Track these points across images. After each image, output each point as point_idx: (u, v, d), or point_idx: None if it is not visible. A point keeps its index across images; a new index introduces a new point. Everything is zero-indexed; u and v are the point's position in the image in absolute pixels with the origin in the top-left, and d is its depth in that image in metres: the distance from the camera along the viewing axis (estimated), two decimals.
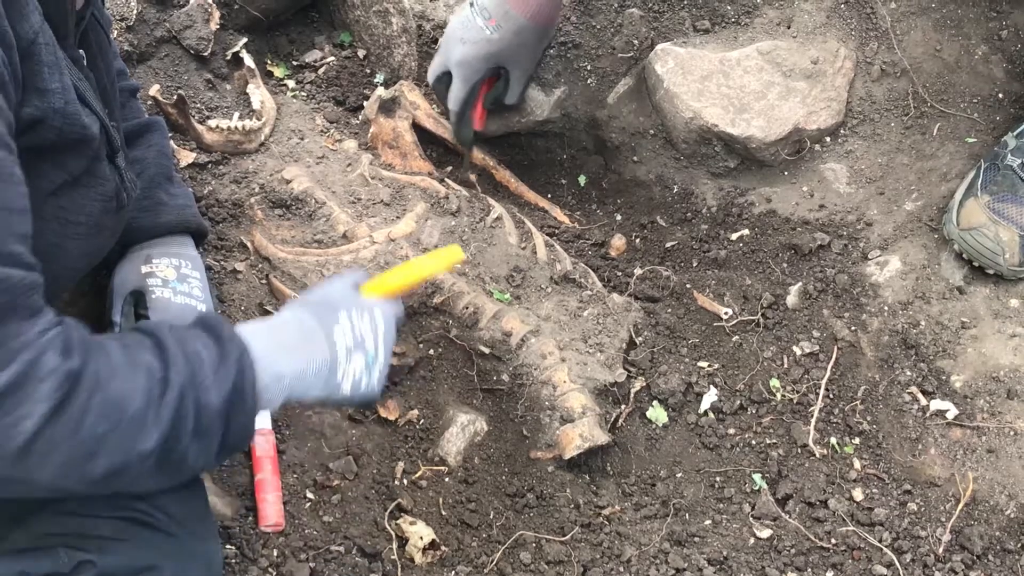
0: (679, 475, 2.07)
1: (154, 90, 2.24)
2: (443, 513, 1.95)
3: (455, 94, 2.36)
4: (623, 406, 2.13)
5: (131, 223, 1.82)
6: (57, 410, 1.19)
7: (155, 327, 1.39)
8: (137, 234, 1.87)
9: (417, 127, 2.47)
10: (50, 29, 1.35)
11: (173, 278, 1.87)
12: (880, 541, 1.94)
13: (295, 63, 2.66)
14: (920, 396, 2.12)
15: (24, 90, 1.30)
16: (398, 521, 1.90)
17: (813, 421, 2.10)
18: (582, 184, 2.59)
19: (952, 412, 2.10)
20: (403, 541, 1.88)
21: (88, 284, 1.95)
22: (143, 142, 1.93)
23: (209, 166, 2.31)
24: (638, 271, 2.36)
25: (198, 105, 2.39)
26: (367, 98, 2.53)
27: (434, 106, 2.50)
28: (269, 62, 2.65)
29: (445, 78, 2.38)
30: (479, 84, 2.35)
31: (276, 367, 1.45)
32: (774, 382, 2.16)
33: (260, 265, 2.16)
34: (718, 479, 2.06)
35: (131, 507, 1.46)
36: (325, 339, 1.53)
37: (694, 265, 2.38)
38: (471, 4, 2.29)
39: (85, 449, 1.22)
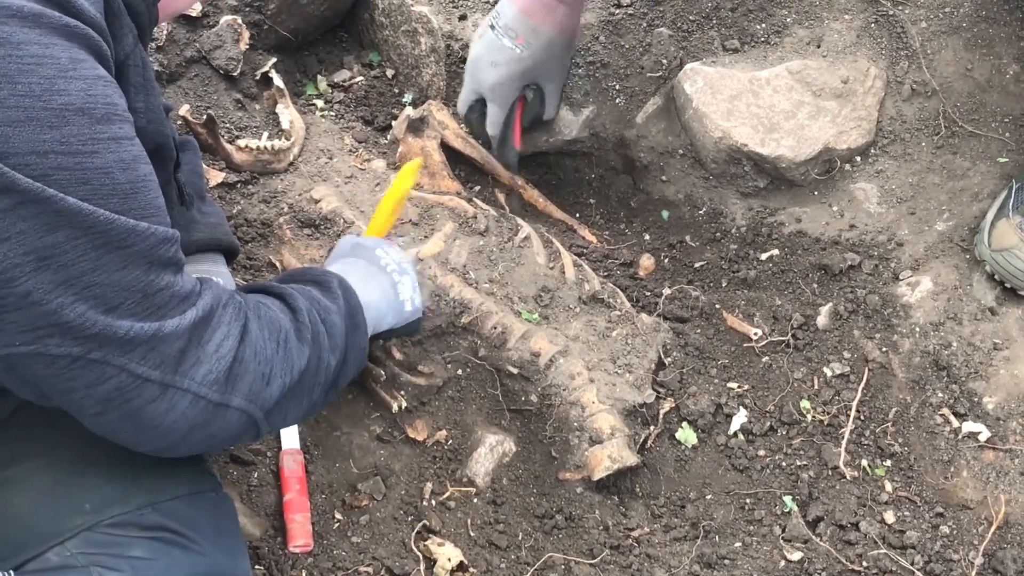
0: (709, 497, 2.06)
1: (184, 110, 2.25)
2: (471, 534, 1.94)
3: (494, 119, 2.36)
4: (652, 427, 2.12)
5: None
6: (243, 331, 1.42)
7: (251, 284, 1.69)
8: None
9: (445, 147, 2.47)
10: (143, 51, 1.41)
11: None
12: (912, 564, 1.93)
13: (324, 83, 2.67)
14: (952, 418, 2.11)
15: None
16: (426, 542, 1.89)
17: (844, 443, 2.09)
18: (612, 203, 2.59)
19: (984, 434, 2.08)
20: (431, 562, 1.87)
21: None
22: None
23: (238, 186, 2.32)
24: (667, 291, 2.35)
25: (227, 125, 2.40)
26: (395, 118, 2.53)
27: (462, 126, 2.50)
28: (298, 82, 2.66)
29: (478, 106, 2.38)
30: (515, 105, 2.35)
31: (361, 295, 1.71)
32: (804, 403, 2.14)
33: None
34: (748, 501, 2.05)
35: (163, 528, 1.47)
36: (379, 270, 1.85)
37: (723, 285, 2.37)
38: (492, 27, 2.29)
39: (263, 370, 1.43)
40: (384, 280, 1.85)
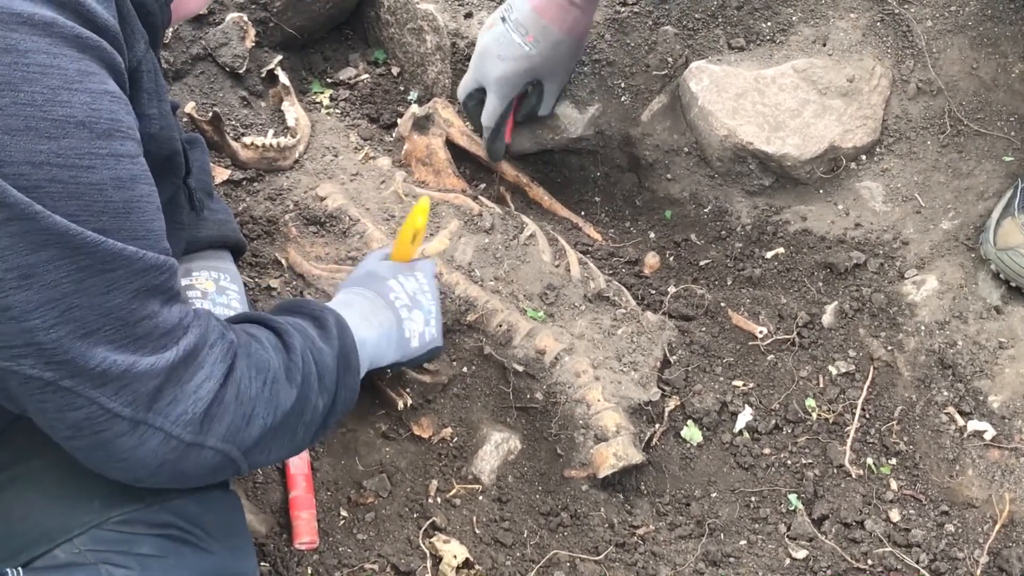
0: (714, 495, 2.06)
1: (190, 107, 2.25)
2: (477, 531, 1.95)
3: (491, 110, 2.36)
4: (657, 425, 2.12)
5: None
6: (228, 372, 1.37)
7: (250, 313, 1.62)
8: None
9: (451, 144, 2.47)
10: (155, 57, 1.40)
11: (212, 290, 1.90)
12: (917, 562, 1.93)
13: (329, 80, 2.67)
14: (957, 416, 2.11)
15: None
16: (432, 539, 1.89)
17: (849, 441, 2.09)
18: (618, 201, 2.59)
19: (990, 433, 2.08)
20: (437, 559, 1.87)
21: None
22: None
23: (244, 183, 2.32)
24: (672, 289, 2.35)
25: (233, 122, 2.40)
26: (401, 115, 2.53)
27: (467, 123, 2.51)
28: (304, 79, 2.66)
29: (477, 95, 2.38)
30: (514, 100, 2.36)
31: (359, 333, 1.69)
32: (810, 402, 2.15)
33: (294, 282, 2.17)
34: (753, 499, 2.05)
35: (171, 525, 1.47)
36: (386, 305, 1.83)
37: (728, 283, 2.37)
38: (503, 20, 2.29)
39: (244, 411, 1.39)
40: (389, 316, 1.83)
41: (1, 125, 1.11)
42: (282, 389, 1.45)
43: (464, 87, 2.41)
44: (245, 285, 2.09)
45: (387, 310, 1.83)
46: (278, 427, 1.45)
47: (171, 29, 2.37)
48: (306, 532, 1.84)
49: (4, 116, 1.11)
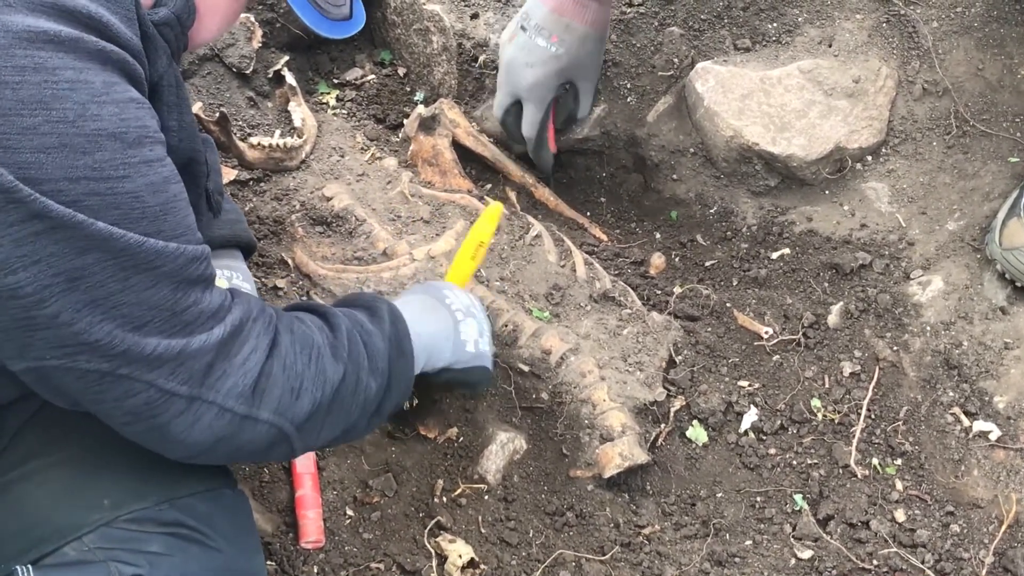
0: (719, 495, 2.07)
1: (197, 108, 2.26)
2: (482, 531, 1.95)
3: (531, 119, 2.36)
4: (663, 425, 2.12)
5: None
6: (272, 346, 1.43)
7: (299, 303, 1.72)
8: None
9: (457, 145, 2.47)
10: (176, 71, 1.42)
11: (225, 288, 1.90)
12: (923, 563, 1.93)
13: (336, 81, 2.68)
14: (963, 417, 2.11)
15: None
16: (437, 539, 1.90)
17: (855, 441, 2.09)
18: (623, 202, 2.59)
19: (995, 433, 2.08)
20: (442, 559, 1.88)
21: None
22: None
23: (250, 183, 2.33)
24: (677, 289, 2.36)
25: (240, 123, 2.41)
26: (407, 116, 2.54)
27: (473, 124, 2.51)
28: (310, 80, 2.67)
29: (513, 109, 2.38)
30: (551, 105, 2.35)
31: (415, 326, 1.71)
32: (815, 402, 2.15)
33: (301, 282, 2.17)
34: (759, 499, 2.05)
35: (180, 524, 1.48)
36: (443, 307, 1.85)
37: (734, 284, 2.38)
38: (523, 28, 2.28)
39: (292, 384, 1.44)
40: (445, 315, 1.85)
41: (36, 144, 1.14)
42: (328, 365, 1.50)
43: (499, 104, 2.40)
44: None
45: (443, 310, 1.85)
46: (329, 405, 1.49)
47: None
48: (312, 531, 1.84)
49: (39, 135, 1.14)
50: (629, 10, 2.50)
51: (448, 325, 1.83)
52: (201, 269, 1.33)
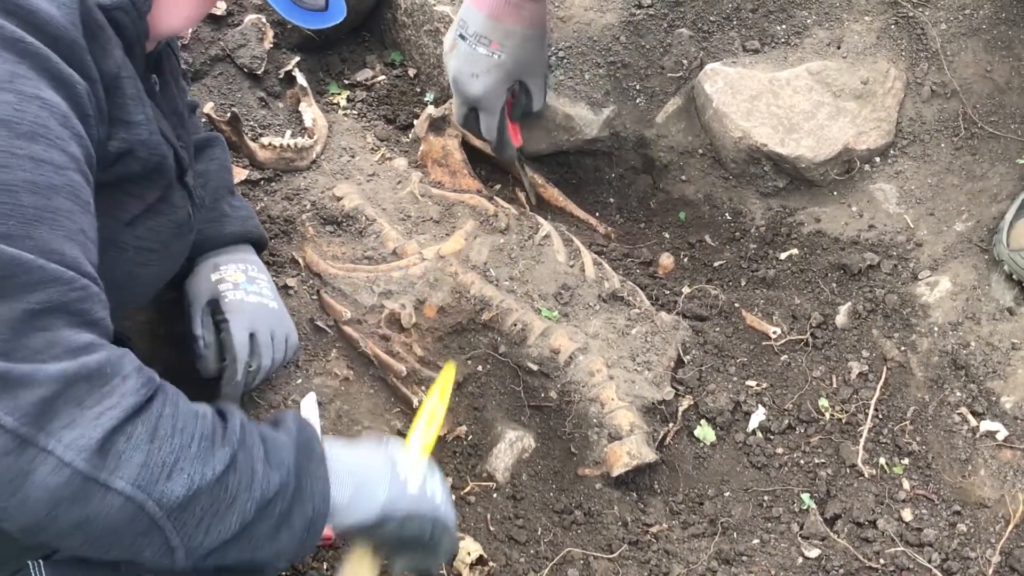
0: (727, 494, 2.07)
1: (208, 108, 2.27)
2: (491, 529, 1.96)
3: (487, 124, 2.36)
4: (671, 424, 2.13)
5: (197, 235, 1.87)
6: (140, 409, 1.19)
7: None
8: (203, 245, 1.92)
9: (466, 145, 2.48)
10: (131, 64, 1.39)
11: (243, 280, 1.91)
12: (929, 562, 1.94)
13: (347, 82, 2.69)
14: (970, 417, 2.11)
15: (111, 124, 1.35)
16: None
17: (862, 441, 2.10)
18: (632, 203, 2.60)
19: (1002, 433, 2.09)
20: (451, 556, 1.88)
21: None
22: (205, 156, 1.97)
23: (261, 183, 2.34)
24: (686, 290, 2.37)
25: (251, 123, 2.42)
26: (417, 116, 2.55)
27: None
28: (321, 81, 2.68)
29: (472, 115, 2.38)
30: (504, 107, 2.36)
31: (334, 449, 1.45)
32: (823, 402, 2.15)
33: (311, 281, 2.18)
34: (766, 498, 2.06)
35: None
36: (382, 450, 1.52)
37: (742, 284, 2.38)
38: (462, 37, 2.26)
39: (163, 458, 1.20)
40: (379, 450, 1.53)
41: None
42: (216, 448, 1.26)
43: (457, 114, 2.40)
44: None
45: (378, 448, 1.54)
46: (214, 492, 1.25)
47: (189, 31, 2.39)
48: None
49: None
50: (638, 12, 2.51)
51: (381, 458, 1.51)
52: (70, 298, 1.17)
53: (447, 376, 1.74)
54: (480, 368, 2.14)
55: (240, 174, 2.31)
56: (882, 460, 2.08)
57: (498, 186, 2.53)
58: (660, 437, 2.10)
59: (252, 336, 1.87)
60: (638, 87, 2.50)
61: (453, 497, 1.97)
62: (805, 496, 2.04)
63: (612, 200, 2.61)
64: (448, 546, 1.57)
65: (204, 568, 1.31)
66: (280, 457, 1.34)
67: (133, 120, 1.37)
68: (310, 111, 2.46)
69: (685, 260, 2.47)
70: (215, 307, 1.89)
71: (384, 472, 1.48)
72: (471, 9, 2.25)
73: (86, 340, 1.17)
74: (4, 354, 1.10)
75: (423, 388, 2.05)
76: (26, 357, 1.11)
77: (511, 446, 2.05)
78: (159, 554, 1.24)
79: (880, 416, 2.14)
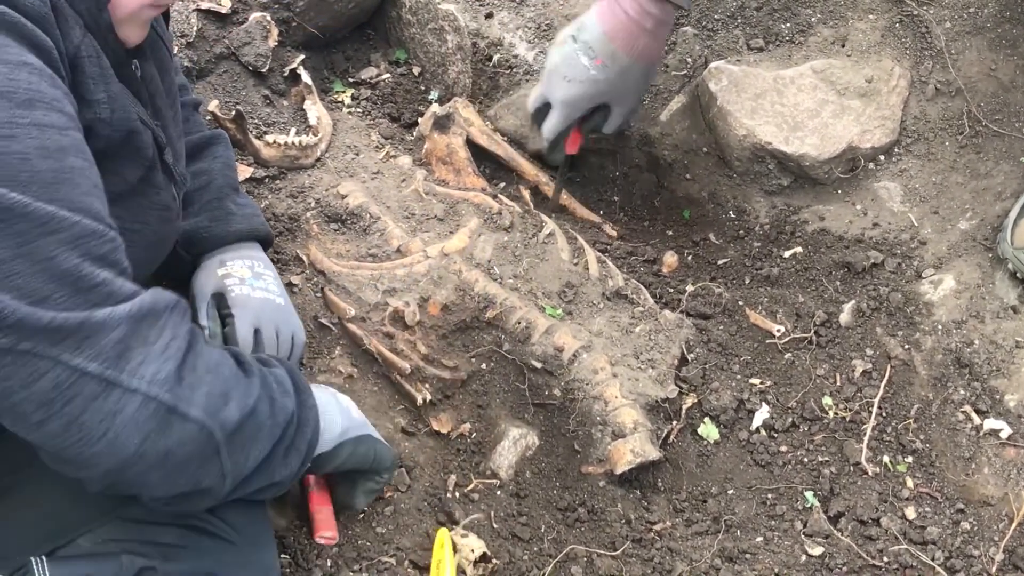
0: (730, 492, 2.07)
1: (213, 105, 2.27)
2: (495, 526, 1.96)
3: (551, 126, 2.36)
4: (674, 422, 2.13)
5: (202, 232, 1.89)
6: (192, 341, 1.33)
7: None
8: (209, 242, 1.92)
9: (471, 143, 2.49)
10: (94, 41, 1.39)
11: (248, 276, 1.91)
12: (933, 560, 1.94)
13: (351, 80, 2.69)
14: (973, 415, 2.11)
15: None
16: (450, 533, 1.90)
17: (866, 439, 2.10)
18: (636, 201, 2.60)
19: (1006, 431, 2.08)
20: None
21: None
22: (208, 154, 1.97)
23: (266, 181, 2.34)
24: (690, 288, 2.36)
25: (255, 120, 2.42)
26: (422, 114, 2.55)
27: (487, 123, 2.52)
28: (326, 78, 2.68)
29: (545, 108, 2.37)
30: (579, 119, 2.36)
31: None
32: (827, 400, 2.15)
33: (315, 279, 2.18)
34: (770, 496, 2.06)
35: (193, 515, 1.48)
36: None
37: (746, 282, 2.38)
38: (573, 39, 2.26)
39: (220, 387, 1.34)
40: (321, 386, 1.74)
41: None
42: (248, 378, 1.41)
43: (533, 101, 2.40)
44: None
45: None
46: (256, 419, 1.39)
47: (194, 28, 2.39)
48: (326, 526, 1.84)
49: None
50: None
51: (327, 392, 1.72)
52: (105, 249, 1.24)
53: (440, 543, 1.82)
54: (484, 366, 2.14)
55: (244, 172, 2.31)
56: (886, 458, 2.08)
57: (502, 184, 2.53)
58: (664, 435, 2.10)
59: (256, 332, 1.87)
60: None
61: (457, 494, 1.98)
62: (809, 494, 2.04)
63: (616, 198, 2.61)
64: (388, 461, 1.76)
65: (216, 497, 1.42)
66: (284, 387, 1.48)
67: (93, 99, 1.37)
68: (314, 109, 2.46)
69: (689, 258, 2.47)
70: (220, 301, 1.89)
71: (334, 402, 1.68)
72: (593, 18, 2.24)
73: (132, 288, 1.27)
74: (73, 304, 1.19)
75: (427, 386, 2.05)
76: (92, 304, 1.21)
77: (515, 444, 2.06)
78: (214, 482, 1.37)
79: (884, 414, 2.14)
